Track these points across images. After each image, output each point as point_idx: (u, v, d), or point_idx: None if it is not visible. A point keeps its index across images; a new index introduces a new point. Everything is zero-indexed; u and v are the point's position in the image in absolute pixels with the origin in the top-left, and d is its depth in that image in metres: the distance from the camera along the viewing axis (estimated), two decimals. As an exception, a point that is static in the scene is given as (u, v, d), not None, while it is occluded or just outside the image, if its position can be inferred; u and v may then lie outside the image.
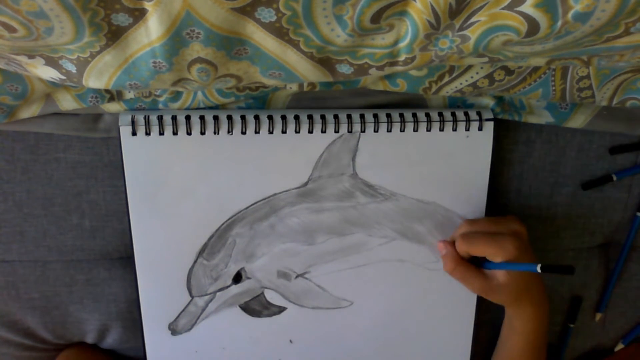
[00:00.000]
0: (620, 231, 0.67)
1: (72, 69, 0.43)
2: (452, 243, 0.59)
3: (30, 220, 0.59)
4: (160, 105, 0.55)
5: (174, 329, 0.61)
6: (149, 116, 0.54)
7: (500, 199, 0.63)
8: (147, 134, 0.54)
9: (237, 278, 0.60)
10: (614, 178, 0.63)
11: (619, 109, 0.59)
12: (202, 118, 0.54)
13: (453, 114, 0.57)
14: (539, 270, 0.51)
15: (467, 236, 0.57)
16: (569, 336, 0.70)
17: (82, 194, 0.58)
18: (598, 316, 0.70)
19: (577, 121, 0.59)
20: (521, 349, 0.61)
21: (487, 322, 0.68)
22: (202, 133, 0.54)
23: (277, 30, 0.41)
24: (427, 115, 0.57)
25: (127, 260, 0.62)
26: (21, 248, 0.60)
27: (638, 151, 0.63)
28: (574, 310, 0.69)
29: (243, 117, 0.55)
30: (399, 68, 0.44)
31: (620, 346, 0.72)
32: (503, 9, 0.38)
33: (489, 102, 0.58)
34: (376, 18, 0.40)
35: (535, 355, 0.61)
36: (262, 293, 0.61)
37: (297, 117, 0.55)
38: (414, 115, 0.57)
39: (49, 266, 0.61)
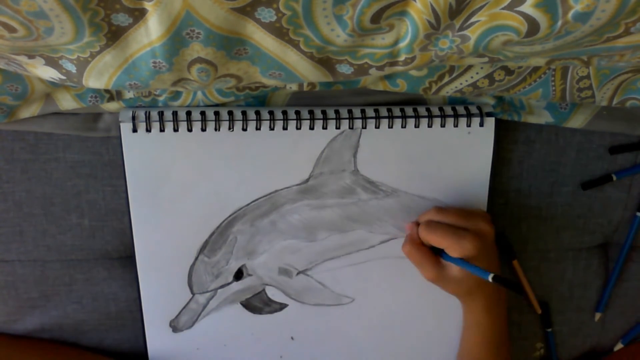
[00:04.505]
0: (620, 231, 0.67)
1: (72, 69, 0.43)
2: (418, 225, 0.58)
3: (30, 219, 0.59)
4: (160, 105, 0.55)
5: (175, 326, 0.61)
6: (149, 112, 0.54)
7: (500, 199, 0.63)
8: (148, 130, 0.54)
9: (239, 275, 0.60)
10: (614, 178, 0.63)
11: (619, 109, 0.59)
12: (202, 114, 0.54)
13: (454, 109, 0.57)
14: (490, 279, 0.50)
15: (429, 224, 0.56)
16: (552, 340, 0.70)
17: (82, 193, 0.58)
18: (598, 316, 0.70)
19: (577, 121, 0.59)
20: (476, 343, 0.60)
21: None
22: (203, 130, 0.54)
23: (277, 30, 0.41)
24: (428, 110, 0.57)
25: (126, 259, 0.62)
26: (20, 248, 0.60)
27: (638, 151, 0.63)
28: (546, 315, 0.69)
29: (244, 114, 0.55)
30: (399, 68, 0.44)
31: (619, 346, 0.72)
32: (503, 9, 0.38)
33: (489, 102, 0.58)
34: (376, 18, 0.40)
35: (492, 351, 0.60)
36: (264, 290, 0.61)
37: (298, 113, 0.55)
38: (415, 110, 0.57)
39: (49, 266, 0.61)
